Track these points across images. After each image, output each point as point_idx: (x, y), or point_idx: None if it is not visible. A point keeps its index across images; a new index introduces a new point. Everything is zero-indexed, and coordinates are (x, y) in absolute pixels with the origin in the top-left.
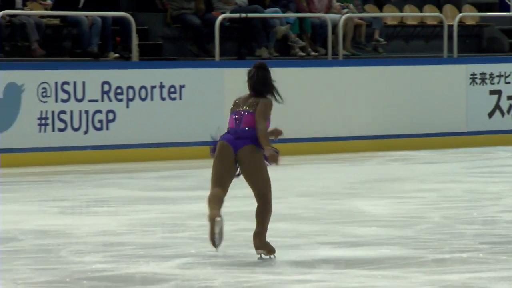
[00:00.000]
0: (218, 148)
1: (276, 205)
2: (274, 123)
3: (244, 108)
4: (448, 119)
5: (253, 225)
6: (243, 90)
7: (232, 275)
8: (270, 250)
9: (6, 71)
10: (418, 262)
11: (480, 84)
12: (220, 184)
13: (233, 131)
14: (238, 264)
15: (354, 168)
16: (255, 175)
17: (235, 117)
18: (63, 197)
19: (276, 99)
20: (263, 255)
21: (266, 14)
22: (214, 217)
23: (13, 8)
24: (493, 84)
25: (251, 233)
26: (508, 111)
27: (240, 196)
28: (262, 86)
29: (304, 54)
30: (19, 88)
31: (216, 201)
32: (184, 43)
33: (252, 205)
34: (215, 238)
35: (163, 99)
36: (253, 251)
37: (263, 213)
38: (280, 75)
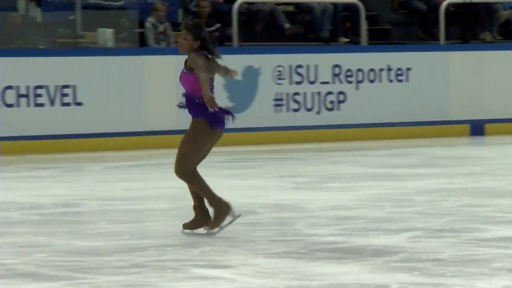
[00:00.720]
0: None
1: (500, 182)
2: (499, 103)
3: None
4: None
5: (477, 201)
6: (469, 72)
7: (458, 248)
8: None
9: (244, 55)
10: None
11: None
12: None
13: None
14: (464, 238)
15: None
16: (180, 144)
17: (212, 85)
18: (297, 173)
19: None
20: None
21: None
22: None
23: None
24: None
25: (476, 209)
26: None
27: (463, 173)
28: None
29: None
30: (256, 71)
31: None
32: (410, 27)
33: (476, 182)
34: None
35: (390, 81)
36: (481, 226)
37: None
38: (503, 57)
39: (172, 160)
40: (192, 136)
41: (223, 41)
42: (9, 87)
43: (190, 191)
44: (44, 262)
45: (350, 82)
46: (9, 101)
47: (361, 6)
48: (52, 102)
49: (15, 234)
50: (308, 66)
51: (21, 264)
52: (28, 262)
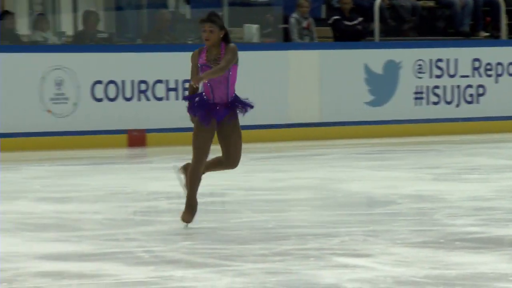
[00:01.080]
0: None
1: None
2: None
3: None
4: None
5: None
6: None
7: None
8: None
9: (385, 49)
10: None
11: None
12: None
13: None
14: None
15: None
16: (238, 141)
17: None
18: (436, 165)
19: None
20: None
21: None
22: None
23: None
24: None
25: None
26: None
27: None
28: None
29: None
30: (397, 65)
31: None
32: None
33: None
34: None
35: None
36: None
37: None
38: None
39: (313, 151)
40: (240, 131)
41: (365, 36)
42: (159, 81)
43: (188, 183)
44: (190, 250)
45: (489, 76)
46: (158, 95)
47: (501, 1)
48: None
49: (162, 222)
50: (448, 60)
51: (168, 251)
52: (175, 250)
